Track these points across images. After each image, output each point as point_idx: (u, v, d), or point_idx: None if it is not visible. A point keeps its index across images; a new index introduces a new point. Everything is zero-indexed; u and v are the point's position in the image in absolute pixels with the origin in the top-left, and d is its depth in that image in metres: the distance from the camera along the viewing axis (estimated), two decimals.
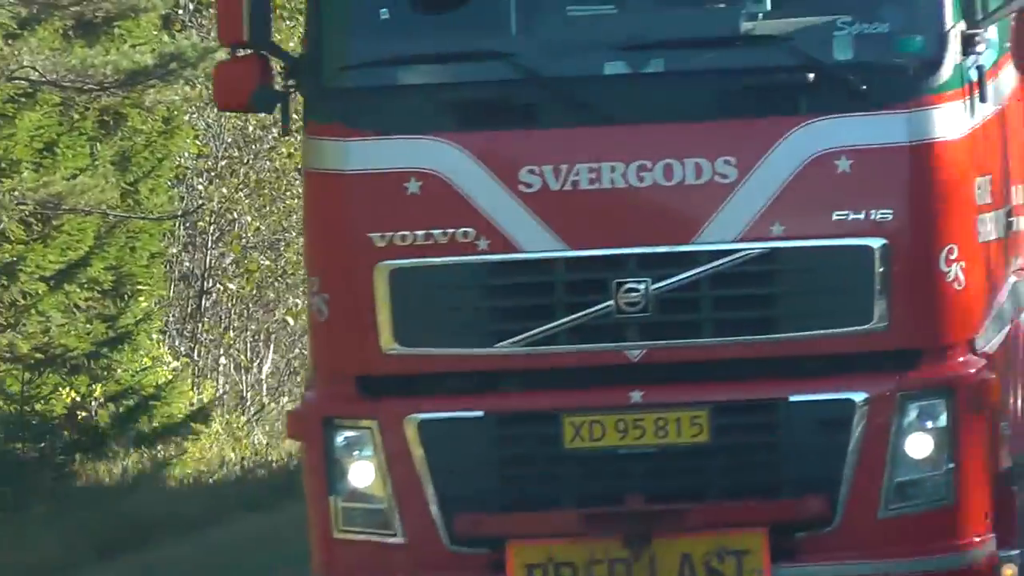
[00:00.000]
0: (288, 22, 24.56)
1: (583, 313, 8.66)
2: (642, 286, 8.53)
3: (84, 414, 20.54)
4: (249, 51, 9.06)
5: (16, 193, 18.62)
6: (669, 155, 8.56)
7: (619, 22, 9.09)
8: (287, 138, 10.79)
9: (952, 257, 8.59)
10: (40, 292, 19.61)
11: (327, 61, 8.94)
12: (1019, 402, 9.72)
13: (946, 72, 8.64)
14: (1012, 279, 9.74)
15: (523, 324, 8.70)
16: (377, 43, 9.08)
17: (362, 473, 8.85)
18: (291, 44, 18.90)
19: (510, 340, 8.76)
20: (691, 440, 8.61)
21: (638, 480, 8.72)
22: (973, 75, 8.78)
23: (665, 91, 8.85)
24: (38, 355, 19.43)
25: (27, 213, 19.37)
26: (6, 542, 16.58)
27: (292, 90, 9.19)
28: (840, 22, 8.79)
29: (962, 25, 8.80)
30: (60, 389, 20.29)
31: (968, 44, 8.70)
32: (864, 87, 8.66)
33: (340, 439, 8.88)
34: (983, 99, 8.89)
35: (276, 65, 9.11)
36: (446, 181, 8.72)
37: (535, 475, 8.85)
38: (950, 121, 8.67)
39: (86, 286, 20.25)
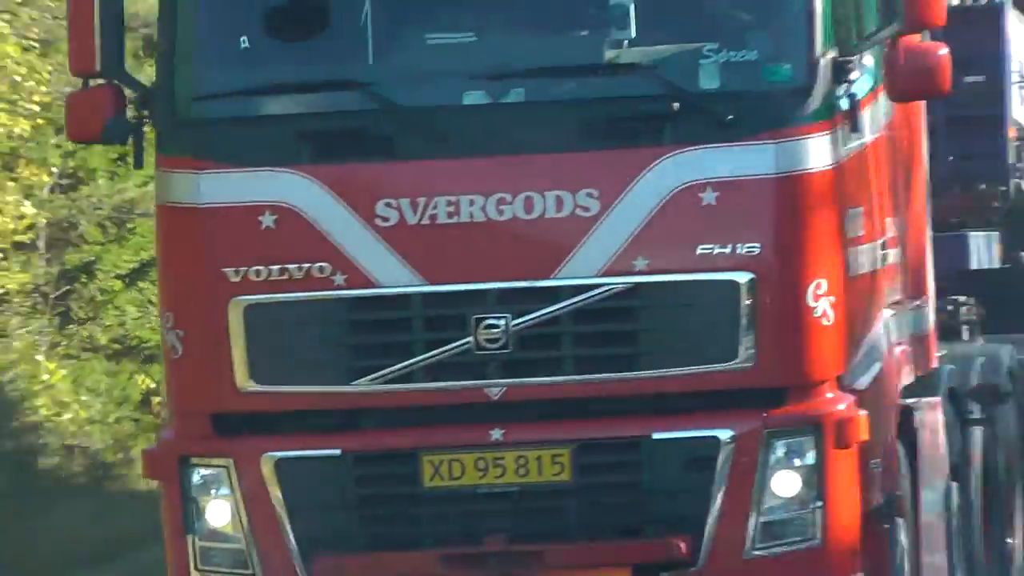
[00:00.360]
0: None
1: (441, 350, 8.47)
2: (502, 322, 8.38)
3: (159, 399, 21.68)
4: (102, 81, 8.98)
5: (93, 199, 21.14)
6: (530, 188, 8.39)
7: (478, 51, 8.90)
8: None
9: (820, 292, 8.44)
10: (116, 289, 21.72)
11: (178, 91, 8.73)
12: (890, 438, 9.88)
13: (815, 101, 8.48)
14: (886, 313, 9.62)
15: (381, 361, 8.51)
16: (229, 73, 8.92)
17: (219, 512, 8.71)
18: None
19: (367, 377, 8.57)
20: (553, 479, 8.48)
21: (499, 520, 8.56)
22: (845, 104, 8.62)
23: (525, 121, 8.67)
24: (116, 346, 21.76)
25: (104, 218, 21.51)
26: None
27: (145, 121, 8.96)
28: (706, 50, 8.64)
29: (833, 52, 8.69)
30: (135, 377, 21.81)
31: (840, 72, 8.55)
32: (730, 117, 8.50)
33: (196, 478, 8.77)
34: (855, 129, 8.76)
35: (129, 95, 9.00)
36: (301, 215, 8.55)
37: (394, 515, 8.69)
38: (819, 152, 8.49)
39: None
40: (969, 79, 12.08)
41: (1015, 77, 12.77)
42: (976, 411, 10.99)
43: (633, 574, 8.56)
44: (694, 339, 8.51)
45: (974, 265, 12.18)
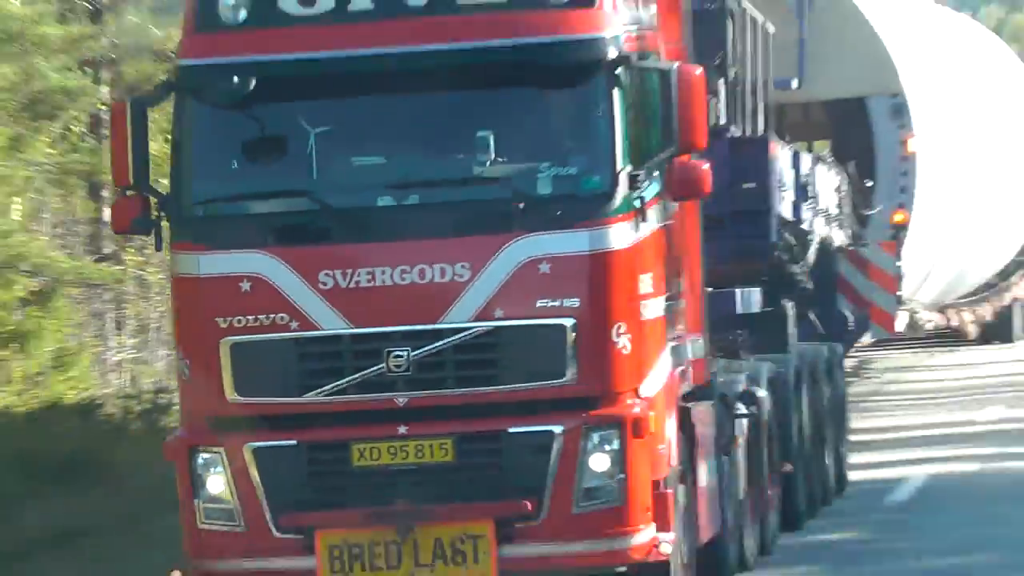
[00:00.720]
0: None
1: (364, 373, 10.06)
2: (405, 353, 9.99)
3: None
4: (133, 191, 10.32)
5: None
6: (423, 262, 9.98)
7: (387, 170, 10.46)
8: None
9: (621, 331, 10.02)
10: None
11: (184, 199, 10.29)
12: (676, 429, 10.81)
13: (616, 202, 10.01)
14: (671, 344, 10.94)
15: (323, 380, 10.12)
16: (217, 186, 10.46)
17: (215, 484, 10.22)
18: None
19: (314, 392, 10.15)
20: (441, 460, 10.08)
21: (404, 488, 10.09)
22: (637, 203, 10.14)
23: (420, 217, 10.25)
24: None
25: None
26: None
27: (162, 218, 10.38)
28: (542, 167, 10.19)
29: (629, 168, 10.12)
30: None
31: (633, 181, 10.10)
32: (559, 212, 10.04)
33: (200, 460, 10.26)
34: (644, 220, 10.25)
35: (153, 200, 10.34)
36: (268, 282, 10.10)
37: (333, 485, 10.24)
38: (619, 236, 10.03)
39: None
40: (746, 185, 14.07)
41: (777, 183, 14.35)
42: (741, 408, 12.42)
43: (496, 524, 9.98)
44: (536, 364, 10.10)
45: (740, 311, 13.54)
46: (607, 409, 10.12)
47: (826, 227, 16.35)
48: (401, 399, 10.12)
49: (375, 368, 10.07)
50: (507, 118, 10.37)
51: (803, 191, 15.52)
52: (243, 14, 10.31)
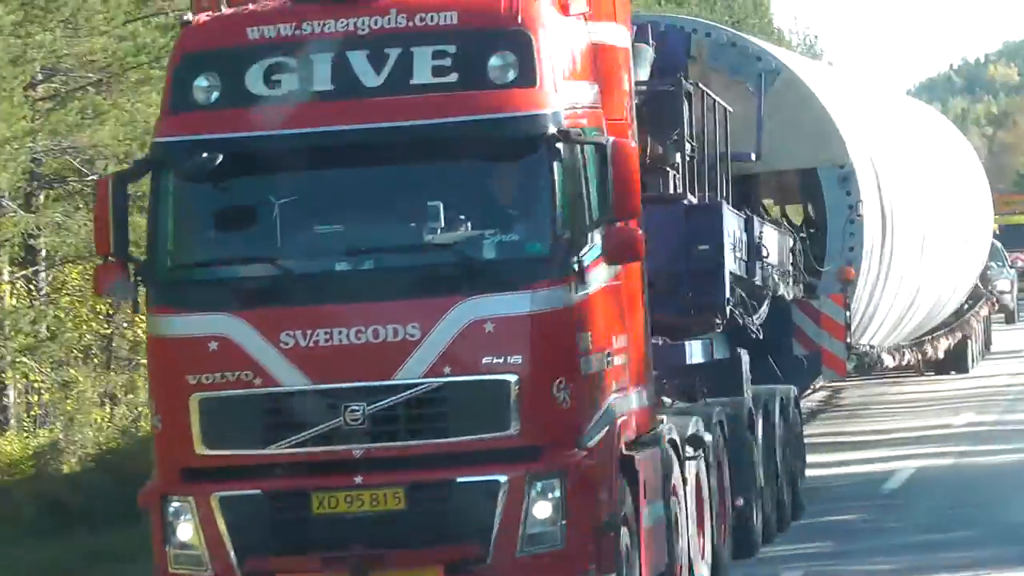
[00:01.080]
0: None
1: (322, 426, 10.18)
2: (360, 408, 10.12)
3: None
4: (114, 258, 10.52)
5: None
6: (377, 323, 10.14)
7: (345, 236, 10.61)
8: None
9: (562, 387, 10.18)
10: None
11: (158, 265, 10.53)
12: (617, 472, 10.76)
13: (555, 265, 10.21)
14: (613, 397, 11.02)
15: (285, 433, 10.27)
16: (187, 256, 10.73)
17: (185, 531, 10.33)
18: None
19: (276, 444, 10.29)
20: (394, 508, 10.19)
21: (360, 534, 10.20)
22: (575, 267, 10.28)
23: (374, 281, 10.42)
24: None
25: None
26: None
27: (140, 283, 10.62)
28: (487, 233, 10.36)
29: (568, 234, 10.30)
30: None
31: (572, 246, 10.28)
32: (502, 276, 10.22)
33: (171, 508, 10.37)
34: (583, 282, 10.36)
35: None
36: (233, 341, 10.26)
37: (294, 532, 10.33)
38: (559, 297, 10.20)
39: None
40: (701, 247, 14.65)
41: (730, 245, 15.14)
42: (689, 451, 12.62)
43: (446, 569, 10.14)
44: (482, 417, 10.21)
45: (689, 362, 14.25)
46: (549, 460, 10.21)
47: (779, 282, 17.29)
48: (357, 451, 10.25)
49: (333, 422, 10.21)
50: (455, 189, 10.52)
51: (756, 252, 16.25)
52: (215, 95, 10.59)
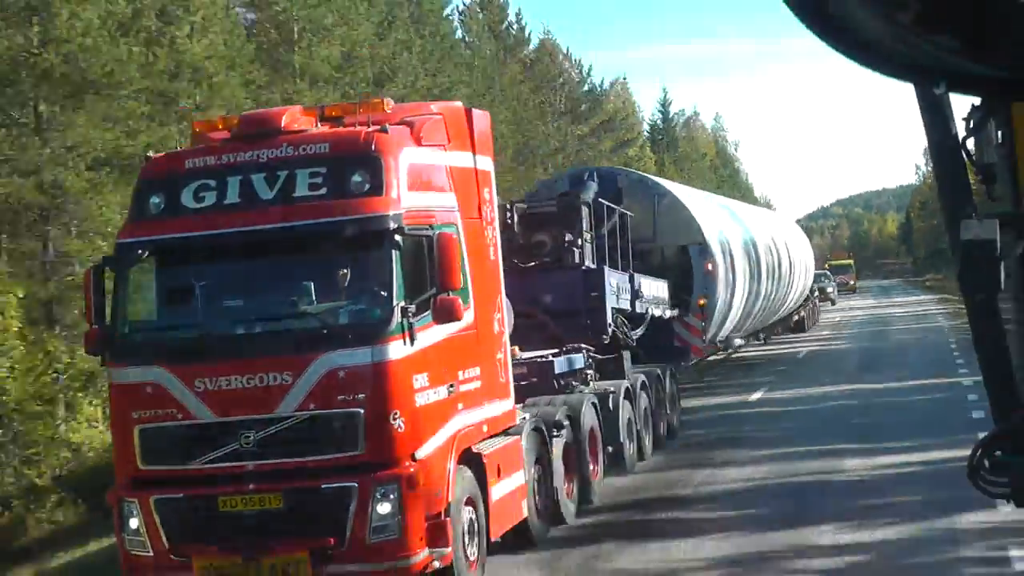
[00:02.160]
0: None
1: (224, 449, 11.02)
2: (251, 434, 11.05)
3: None
4: (96, 326, 11.38)
5: None
6: (262, 372, 10.98)
7: (241, 309, 11.78)
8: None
9: (396, 417, 10.93)
10: None
11: (114, 332, 11.68)
12: (453, 475, 11.61)
13: (391, 327, 10.97)
14: (456, 416, 11.99)
15: (199, 453, 11.12)
16: (133, 324, 11.95)
17: (134, 523, 11.23)
18: None
19: (193, 461, 11.13)
20: (276, 507, 11.00)
21: (252, 528, 11.05)
22: (407, 328, 11.07)
23: (261, 342, 11.28)
24: None
25: None
26: None
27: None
28: (342, 305, 11.33)
29: (403, 303, 10.98)
30: None
31: (405, 312, 11.01)
32: (351, 336, 10.91)
33: (124, 507, 11.23)
34: (413, 342, 11.00)
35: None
36: (163, 386, 11.16)
37: (205, 525, 11.10)
38: (393, 351, 10.92)
39: None
40: (593, 294, 19.09)
41: (612, 292, 19.67)
42: (555, 432, 14.98)
43: (312, 553, 10.91)
44: (339, 440, 10.85)
45: (559, 371, 17.24)
46: (390, 471, 10.80)
47: (659, 309, 22.53)
48: (250, 465, 10.99)
49: (232, 445, 11.00)
50: (322, 272, 11.25)
51: (636, 294, 21.06)
52: (161, 207, 11.87)
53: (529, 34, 53.86)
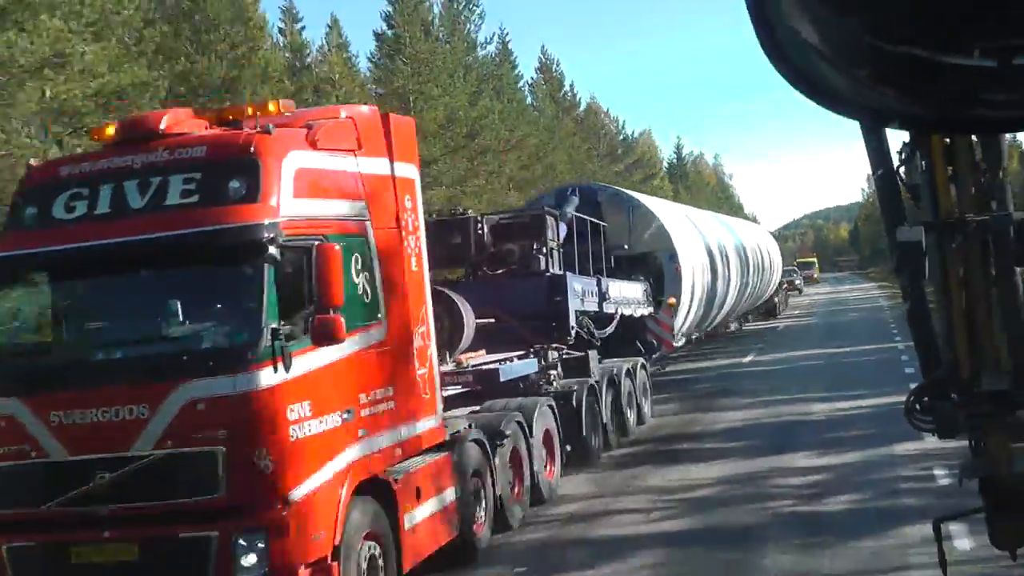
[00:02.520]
0: None
1: (79, 490, 9.77)
2: (107, 474, 9.73)
3: None
4: None
5: None
6: (118, 404, 9.75)
7: (101, 332, 10.76)
8: None
9: (263, 455, 9.60)
10: None
11: None
12: (342, 512, 10.45)
13: (259, 351, 9.65)
14: (351, 446, 10.65)
15: (52, 495, 9.93)
16: None
17: None
18: None
19: (46, 504, 9.93)
20: (132, 558, 9.90)
21: None
22: (280, 352, 9.72)
23: (117, 370, 10.08)
24: None
25: None
26: None
27: None
28: (206, 326, 9.99)
29: (275, 324, 9.69)
30: None
31: (276, 335, 9.68)
32: (213, 363, 9.61)
33: None
34: (287, 367, 9.68)
35: None
36: (16, 420, 10.00)
37: (59, 574, 9.64)
38: (261, 379, 9.59)
39: None
40: (557, 298, 19.55)
41: (576, 296, 20.47)
42: (498, 440, 14.68)
43: None
44: (198, 483, 9.57)
45: (503, 379, 16.93)
46: (256, 516, 9.52)
47: (630, 309, 23.20)
48: (103, 510, 9.71)
49: (87, 486, 9.73)
50: (188, 288, 9.96)
51: (605, 296, 21.34)
52: (33, 219, 10.80)
53: (580, 98, 68.65)
